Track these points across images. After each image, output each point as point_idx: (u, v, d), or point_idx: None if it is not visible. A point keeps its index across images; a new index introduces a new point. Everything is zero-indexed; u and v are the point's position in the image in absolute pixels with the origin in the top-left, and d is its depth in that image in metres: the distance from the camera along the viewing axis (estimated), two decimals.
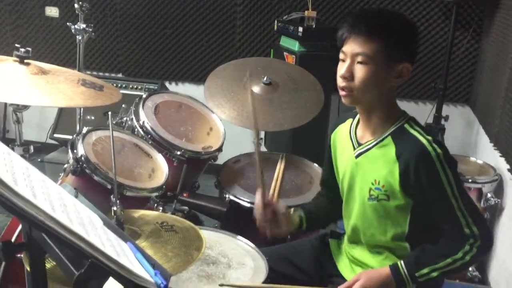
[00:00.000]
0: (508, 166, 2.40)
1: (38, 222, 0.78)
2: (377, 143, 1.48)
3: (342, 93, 1.45)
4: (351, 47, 1.41)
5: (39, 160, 3.64)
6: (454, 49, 3.21)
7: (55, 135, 3.59)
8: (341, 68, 1.43)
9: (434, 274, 1.41)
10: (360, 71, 1.40)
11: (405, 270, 1.42)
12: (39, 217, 0.79)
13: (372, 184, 1.47)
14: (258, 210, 1.60)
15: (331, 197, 1.72)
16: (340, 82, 1.44)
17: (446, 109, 3.28)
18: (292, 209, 1.73)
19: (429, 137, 1.41)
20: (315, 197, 1.87)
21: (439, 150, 1.39)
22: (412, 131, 1.45)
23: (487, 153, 2.93)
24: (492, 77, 2.88)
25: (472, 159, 2.89)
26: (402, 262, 1.44)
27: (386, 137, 1.47)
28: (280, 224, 1.60)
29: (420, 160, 1.38)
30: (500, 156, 2.54)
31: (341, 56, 1.45)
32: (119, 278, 0.88)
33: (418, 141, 1.41)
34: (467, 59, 3.36)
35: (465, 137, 3.47)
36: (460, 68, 3.38)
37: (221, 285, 1.47)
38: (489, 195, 2.58)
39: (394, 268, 1.44)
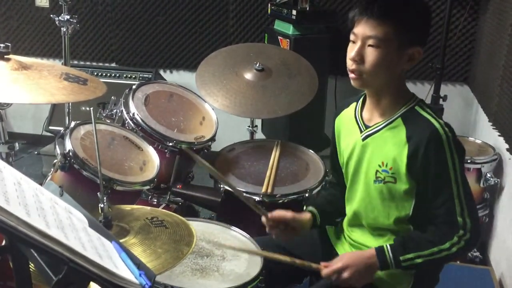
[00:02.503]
0: (507, 146, 2.37)
1: (9, 228, 0.76)
2: (386, 125, 1.46)
3: (351, 75, 1.43)
4: (362, 29, 1.38)
5: (35, 152, 3.63)
6: (451, 27, 3.15)
7: (50, 127, 3.56)
8: (351, 51, 1.41)
9: (419, 260, 1.39)
10: (371, 55, 1.38)
11: (390, 254, 1.40)
12: (11, 223, 0.76)
13: (380, 166, 1.45)
14: (268, 228, 1.59)
15: (341, 184, 1.68)
16: (350, 65, 1.42)
17: (444, 89, 3.23)
18: (304, 207, 1.69)
19: (442, 121, 1.40)
20: (326, 187, 1.83)
21: (450, 134, 1.38)
22: (423, 113, 1.42)
23: (486, 132, 2.89)
24: (490, 55, 2.83)
25: (471, 139, 2.86)
26: (388, 245, 1.43)
27: (396, 118, 1.45)
28: (293, 230, 1.59)
29: (431, 142, 1.37)
30: (499, 135, 2.50)
31: (352, 37, 1.42)
32: (101, 281, 0.86)
33: (431, 123, 1.39)
34: (465, 37, 3.30)
35: (464, 117, 3.43)
36: (458, 47, 3.32)
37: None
38: (488, 175, 2.56)
39: (379, 250, 1.42)
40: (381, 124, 1.47)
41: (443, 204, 1.38)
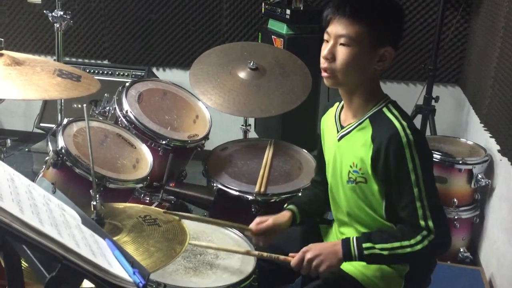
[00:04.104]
0: (498, 147, 2.38)
1: (3, 225, 0.75)
2: (356, 126, 1.48)
3: (324, 74, 1.45)
4: (335, 28, 1.40)
5: (26, 149, 3.60)
6: (444, 28, 3.17)
7: (41, 124, 3.54)
8: (324, 49, 1.42)
9: (383, 252, 1.39)
10: (342, 53, 1.39)
11: (355, 242, 1.41)
12: (5, 220, 0.75)
13: (351, 166, 1.47)
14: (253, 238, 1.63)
15: (324, 183, 1.69)
16: (322, 63, 1.43)
17: (437, 90, 3.25)
18: (285, 205, 1.70)
19: (404, 123, 1.40)
20: (309, 187, 1.84)
21: (411, 137, 1.37)
22: (388, 114, 1.44)
23: (477, 133, 2.91)
24: (482, 57, 2.85)
25: (463, 140, 2.87)
26: (354, 237, 1.44)
27: (365, 119, 1.46)
28: (274, 233, 1.61)
29: (390, 143, 1.38)
30: (490, 136, 2.52)
31: (325, 36, 1.44)
32: (94, 279, 0.85)
33: (392, 124, 1.40)
34: (457, 39, 3.32)
35: (455, 118, 3.45)
36: (450, 48, 3.34)
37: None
38: (479, 176, 2.57)
39: (345, 240, 1.44)
40: (353, 125, 1.49)
41: (406, 207, 1.39)
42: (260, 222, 1.60)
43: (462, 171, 2.56)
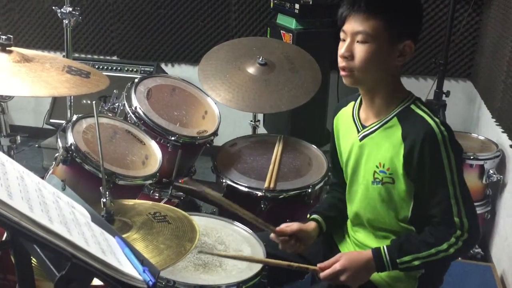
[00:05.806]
0: (510, 142, 2.36)
1: (13, 224, 0.75)
2: (382, 125, 1.44)
3: (342, 73, 1.41)
4: (351, 26, 1.36)
5: (36, 145, 3.62)
6: (455, 22, 3.13)
7: (51, 121, 3.55)
8: (341, 48, 1.39)
9: (416, 263, 1.37)
10: (360, 51, 1.36)
11: (387, 256, 1.39)
12: (14, 219, 0.75)
13: (377, 167, 1.44)
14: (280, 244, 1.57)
15: (342, 183, 1.65)
16: (340, 62, 1.40)
17: (447, 85, 3.21)
18: (307, 215, 1.65)
19: (437, 119, 1.37)
20: (328, 191, 1.81)
21: (445, 133, 1.35)
22: (419, 111, 1.40)
23: (489, 128, 2.88)
24: (494, 50, 2.81)
25: (474, 135, 2.85)
26: (385, 247, 1.41)
27: (392, 118, 1.42)
28: (300, 241, 1.56)
29: (425, 141, 1.34)
30: (502, 131, 2.49)
31: (342, 35, 1.41)
32: (104, 277, 0.85)
33: (426, 122, 1.37)
34: (468, 33, 3.28)
35: (466, 113, 3.42)
36: (461, 42, 3.30)
37: (200, 251, 1.52)
38: (491, 171, 2.55)
39: (376, 252, 1.41)
40: (377, 124, 1.45)
41: (439, 204, 1.37)
42: (286, 226, 1.55)
43: (474, 166, 2.54)
